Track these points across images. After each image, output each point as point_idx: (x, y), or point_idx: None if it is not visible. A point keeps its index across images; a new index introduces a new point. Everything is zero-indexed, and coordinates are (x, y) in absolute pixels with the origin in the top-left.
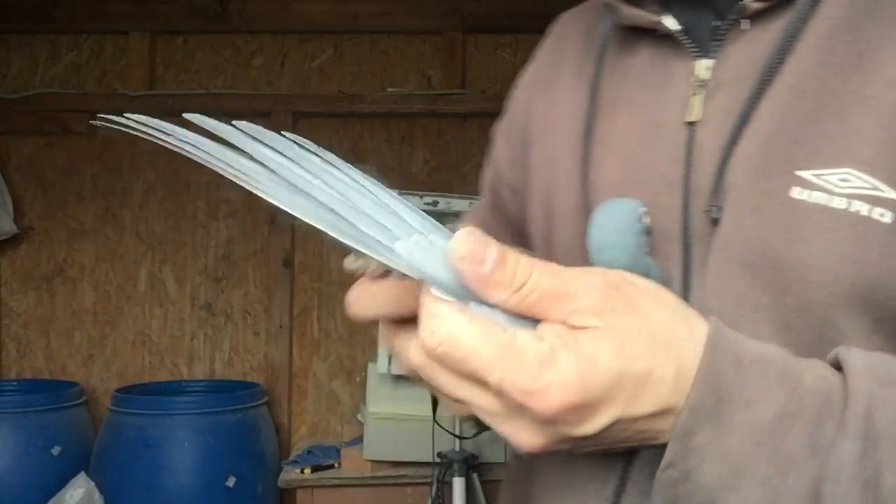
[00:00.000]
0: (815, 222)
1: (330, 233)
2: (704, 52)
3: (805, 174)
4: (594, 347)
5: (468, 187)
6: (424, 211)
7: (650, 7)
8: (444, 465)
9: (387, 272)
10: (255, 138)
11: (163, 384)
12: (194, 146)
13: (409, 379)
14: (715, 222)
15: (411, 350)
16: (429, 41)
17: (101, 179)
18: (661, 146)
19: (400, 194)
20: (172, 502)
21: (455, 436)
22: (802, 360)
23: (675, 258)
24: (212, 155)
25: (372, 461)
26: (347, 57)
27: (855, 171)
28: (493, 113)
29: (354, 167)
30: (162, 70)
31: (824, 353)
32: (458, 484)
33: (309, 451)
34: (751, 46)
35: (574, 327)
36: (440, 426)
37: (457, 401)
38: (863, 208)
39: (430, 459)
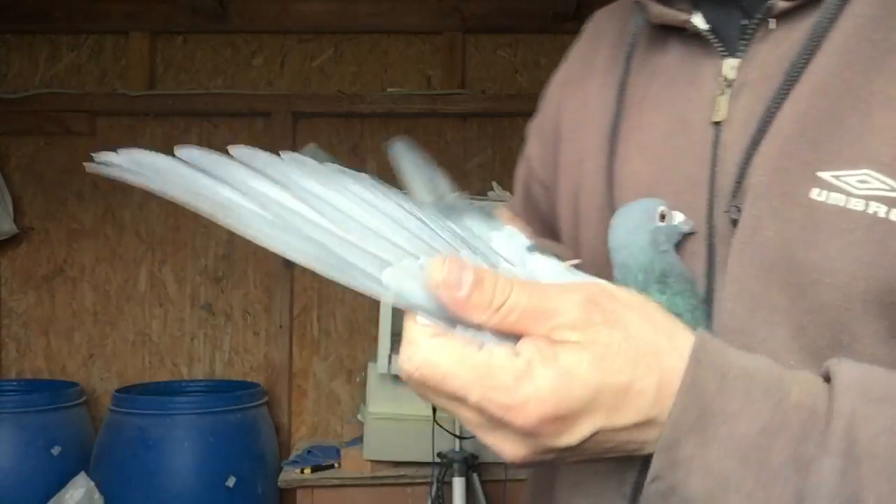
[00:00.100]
0: (832, 224)
1: (316, 269)
2: (732, 52)
3: (825, 175)
4: (573, 361)
5: (468, 187)
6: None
7: (680, 5)
8: (444, 465)
9: None
10: (248, 166)
11: (163, 384)
12: (182, 187)
13: None
14: (734, 223)
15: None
16: (429, 41)
17: (101, 179)
18: (687, 145)
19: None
20: (172, 502)
21: (455, 436)
22: (793, 372)
23: (700, 258)
24: (200, 194)
25: (372, 461)
26: (347, 57)
27: (873, 173)
28: (492, 113)
29: (359, 172)
30: (162, 70)
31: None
32: (458, 484)
33: (309, 451)
34: (778, 46)
35: (555, 342)
36: (440, 426)
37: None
38: (880, 210)
39: (430, 459)
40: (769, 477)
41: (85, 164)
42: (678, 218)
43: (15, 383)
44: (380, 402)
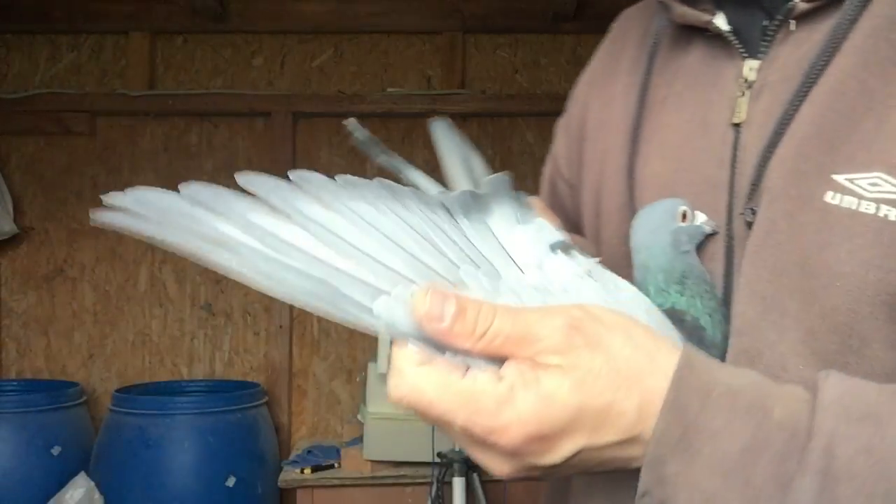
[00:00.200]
0: (844, 227)
1: (311, 306)
2: (753, 53)
3: (839, 178)
4: (554, 385)
5: None
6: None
7: (704, 5)
8: (444, 465)
9: None
10: (253, 193)
11: (163, 384)
12: (181, 227)
13: None
14: (749, 226)
15: None
16: (429, 41)
17: (101, 179)
18: (707, 147)
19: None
20: (172, 502)
21: None
22: (779, 388)
23: (719, 259)
24: (198, 234)
25: (372, 461)
26: (347, 57)
27: (885, 175)
28: (492, 113)
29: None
30: (162, 70)
31: (848, 363)
32: (458, 484)
33: (309, 451)
34: (798, 47)
35: (538, 365)
36: None
37: None
38: (891, 213)
39: (430, 459)
40: (753, 494)
41: (91, 214)
42: (700, 218)
43: (15, 383)
44: (380, 402)
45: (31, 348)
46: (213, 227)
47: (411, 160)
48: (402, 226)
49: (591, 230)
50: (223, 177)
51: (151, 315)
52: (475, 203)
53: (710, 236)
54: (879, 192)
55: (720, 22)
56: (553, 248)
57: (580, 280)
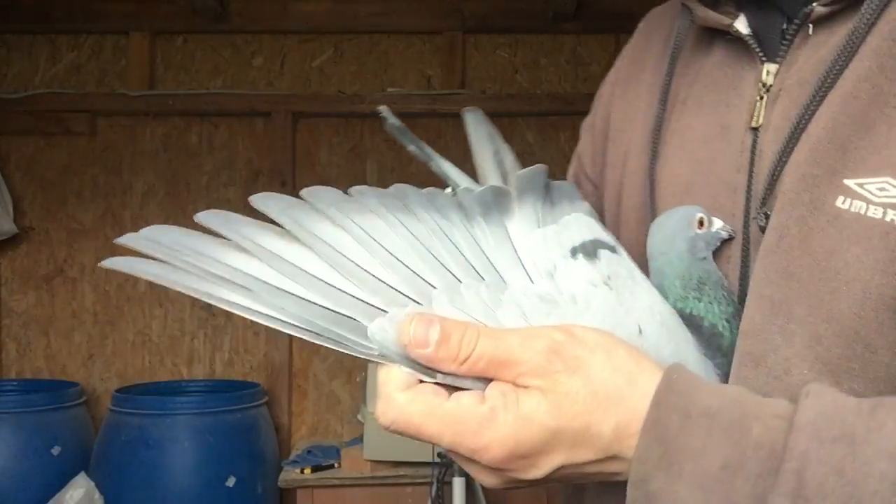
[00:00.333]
0: (852, 232)
1: (304, 337)
2: (772, 57)
3: (850, 183)
4: (532, 407)
5: None
6: None
7: (726, 7)
8: (444, 465)
9: None
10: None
11: (163, 384)
12: (188, 260)
13: None
14: (762, 230)
15: None
16: (429, 41)
17: (101, 179)
18: (726, 150)
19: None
20: (172, 502)
21: None
22: (761, 406)
23: (735, 263)
24: (206, 261)
25: (372, 461)
26: (347, 57)
27: (893, 181)
28: (492, 113)
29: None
30: (162, 70)
31: (853, 368)
32: (458, 484)
33: (309, 451)
34: (816, 51)
35: (519, 386)
36: None
37: None
38: None
39: (430, 459)
40: None
41: (100, 264)
42: (717, 224)
43: (15, 383)
44: None
45: (31, 348)
46: (222, 261)
47: (411, 160)
48: (410, 239)
49: (612, 229)
50: (223, 177)
51: (151, 315)
52: (496, 202)
53: (727, 240)
54: (887, 196)
55: (740, 25)
56: (575, 251)
57: (593, 289)
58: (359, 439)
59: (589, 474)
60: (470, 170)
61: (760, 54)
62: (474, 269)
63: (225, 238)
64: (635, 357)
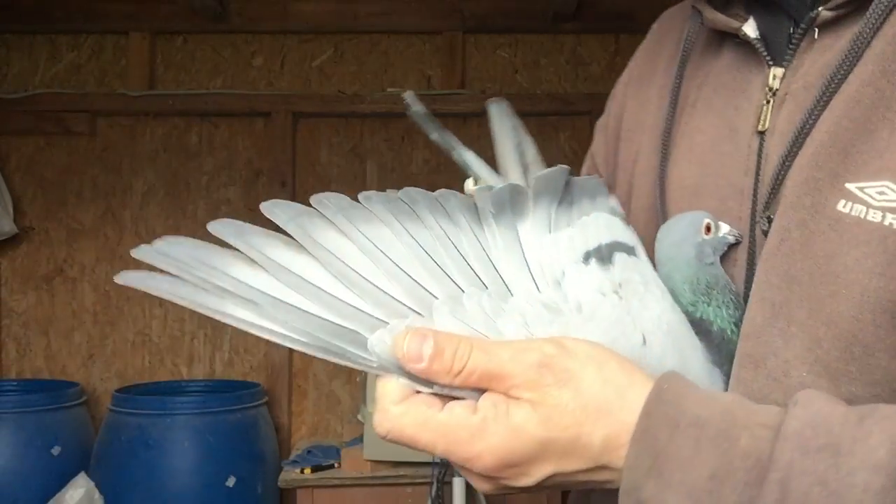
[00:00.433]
0: (852, 235)
1: (307, 351)
2: (779, 61)
3: (852, 187)
4: (522, 419)
5: None
6: None
7: (736, 10)
8: (444, 465)
9: None
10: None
11: (163, 384)
12: (199, 287)
13: None
14: (764, 234)
15: None
16: (429, 41)
17: (101, 179)
18: (733, 153)
19: None
20: (172, 502)
21: None
22: (750, 414)
23: (741, 266)
24: (214, 274)
25: (372, 461)
26: (347, 57)
27: (891, 184)
28: None
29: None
30: (162, 70)
31: (850, 371)
32: (458, 484)
33: (309, 451)
34: (821, 55)
35: (510, 398)
36: None
37: None
38: (895, 222)
39: (430, 459)
40: None
41: (115, 278)
42: (724, 229)
43: (15, 383)
44: None
45: (31, 348)
46: (230, 274)
47: (411, 160)
48: (414, 248)
49: None
50: (223, 177)
51: (151, 315)
52: (512, 201)
53: (734, 244)
54: (886, 200)
55: (749, 29)
56: (588, 255)
57: (601, 298)
58: (359, 439)
59: (580, 482)
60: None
61: (767, 58)
62: (478, 277)
63: (235, 249)
64: (627, 369)
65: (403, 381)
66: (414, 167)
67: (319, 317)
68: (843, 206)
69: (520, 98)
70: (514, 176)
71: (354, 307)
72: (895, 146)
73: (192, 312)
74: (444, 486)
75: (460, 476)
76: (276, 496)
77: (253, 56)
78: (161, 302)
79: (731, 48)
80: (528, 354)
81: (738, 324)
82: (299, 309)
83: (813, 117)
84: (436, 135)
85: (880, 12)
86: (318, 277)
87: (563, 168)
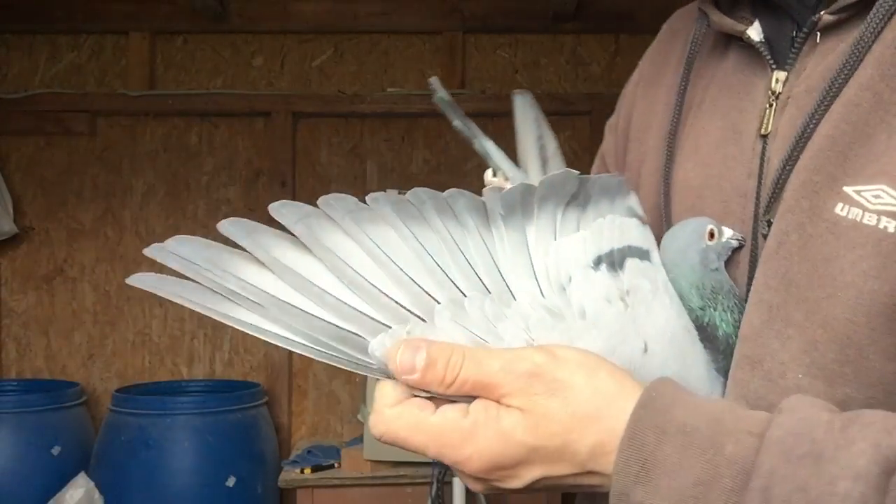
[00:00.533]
0: (849, 238)
1: (309, 355)
2: (782, 64)
3: (849, 190)
4: (511, 425)
5: (468, 188)
6: None
7: (742, 13)
8: (444, 466)
9: None
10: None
11: (163, 384)
12: (206, 289)
13: None
14: (763, 237)
15: None
16: (429, 41)
17: (101, 179)
18: (737, 155)
19: None
20: (172, 502)
21: None
22: (738, 421)
23: (743, 268)
24: (220, 294)
25: (372, 461)
26: (347, 57)
27: (887, 188)
28: (492, 113)
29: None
30: (162, 70)
31: (845, 373)
32: (458, 484)
33: (309, 451)
34: (823, 59)
35: (501, 405)
36: None
37: None
38: (890, 225)
39: (429, 460)
40: None
41: (127, 280)
42: (727, 234)
43: (15, 383)
44: None
45: (31, 348)
46: (237, 275)
47: (411, 160)
48: (419, 252)
49: None
50: (223, 177)
51: (151, 315)
52: (522, 203)
53: (737, 247)
54: (881, 203)
55: (753, 33)
56: (599, 260)
57: (606, 305)
58: (359, 439)
59: (570, 485)
60: (470, 170)
61: (771, 62)
62: (482, 281)
63: (243, 249)
64: (617, 377)
65: (401, 384)
66: (414, 167)
67: (322, 319)
68: (840, 209)
69: None
70: (533, 169)
71: (357, 310)
72: (892, 150)
73: (192, 312)
74: (444, 486)
75: None
76: (276, 496)
77: (253, 56)
78: (161, 302)
79: (736, 50)
80: (518, 364)
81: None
82: (303, 310)
83: (814, 121)
84: (458, 122)
85: (881, 16)
86: (323, 280)
87: (569, 172)
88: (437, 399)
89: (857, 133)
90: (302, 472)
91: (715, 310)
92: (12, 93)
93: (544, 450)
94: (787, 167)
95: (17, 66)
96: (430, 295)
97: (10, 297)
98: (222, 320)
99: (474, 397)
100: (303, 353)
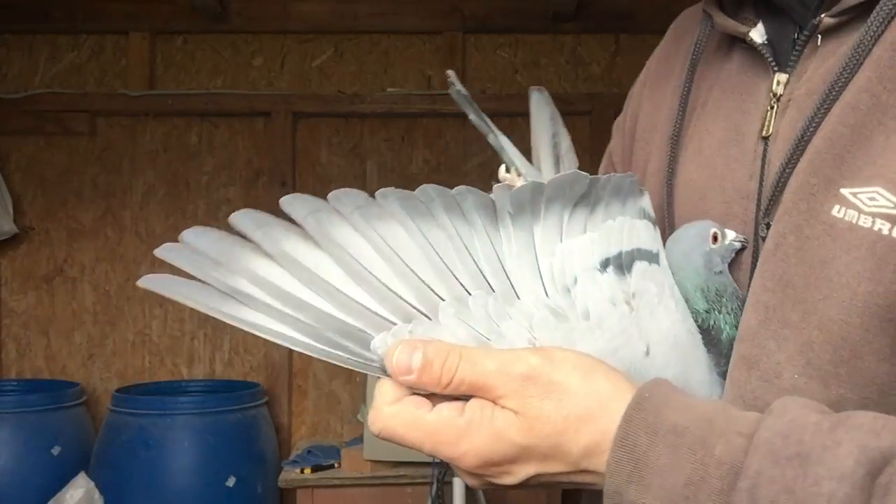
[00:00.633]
0: (845, 240)
1: (313, 354)
2: (784, 66)
3: (846, 192)
4: (505, 425)
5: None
6: None
7: (745, 15)
8: (444, 465)
9: None
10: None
11: (163, 384)
12: (213, 289)
13: None
14: (762, 239)
15: None
16: (429, 41)
17: (101, 179)
18: (739, 157)
19: None
20: (172, 502)
21: None
22: (729, 422)
23: (745, 269)
24: (226, 295)
25: (372, 461)
26: (347, 57)
27: (882, 190)
28: (492, 113)
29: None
30: (162, 70)
31: (840, 374)
32: (459, 484)
33: (309, 451)
34: (824, 61)
35: (496, 405)
36: None
37: None
38: (884, 227)
39: (430, 459)
40: None
41: (138, 283)
42: (730, 236)
43: (15, 383)
44: None
45: (31, 348)
46: (247, 267)
47: (411, 160)
48: (426, 248)
49: None
50: (223, 177)
51: (151, 315)
52: (532, 201)
53: (741, 249)
54: (876, 206)
55: (756, 35)
56: (606, 263)
57: (610, 307)
58: (359, 439)
59: (564, 482)
60: (470, 170)
61: (773, 64)
62: (486, 280)
63: (253, 241)
64: (613, 379)
65: (391, 383)
66: (414, 167)
67: (328, 313)
68: (837, 211)
69: (520, 98)
70: (546, 166)
71: (362, 305)
72: (889, 152)
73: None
74: (444, 486)
75: None
76: (276, 496)
77: (253, 56)
78: (161, 302)
79: (740, 52)
80: (514, 366)
81: None
82: (310, 304)
83: (814, 124)
84: (474, 116)
85: (882, 19)
86: (330, 274)
87: (578, 173)
88: (435, 396)
89: (854, 135)
90: (302, 472)
91: (720, 312)
92: (12, 93)
93: (537, 449)
94: (787, 170)
95: (17, 66)
96: (434, 292)
97: (10, 297)
98: (228, 321)
99: (471, 396)
100: (306, 352)
